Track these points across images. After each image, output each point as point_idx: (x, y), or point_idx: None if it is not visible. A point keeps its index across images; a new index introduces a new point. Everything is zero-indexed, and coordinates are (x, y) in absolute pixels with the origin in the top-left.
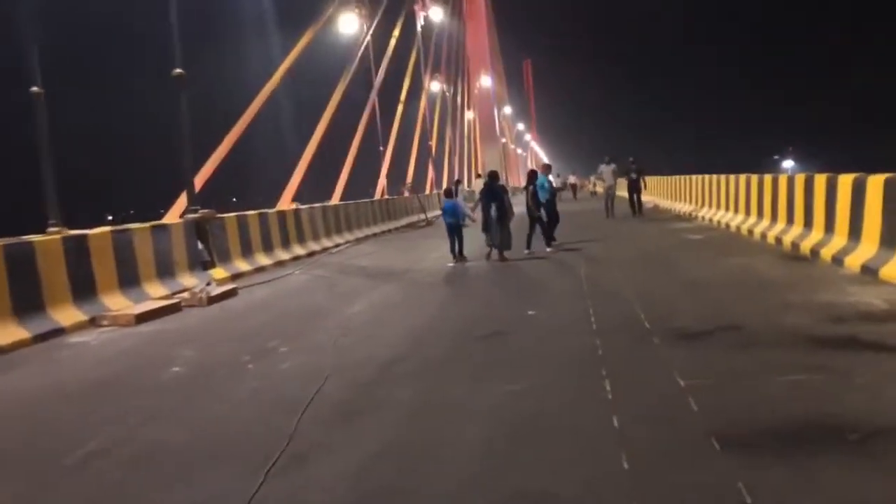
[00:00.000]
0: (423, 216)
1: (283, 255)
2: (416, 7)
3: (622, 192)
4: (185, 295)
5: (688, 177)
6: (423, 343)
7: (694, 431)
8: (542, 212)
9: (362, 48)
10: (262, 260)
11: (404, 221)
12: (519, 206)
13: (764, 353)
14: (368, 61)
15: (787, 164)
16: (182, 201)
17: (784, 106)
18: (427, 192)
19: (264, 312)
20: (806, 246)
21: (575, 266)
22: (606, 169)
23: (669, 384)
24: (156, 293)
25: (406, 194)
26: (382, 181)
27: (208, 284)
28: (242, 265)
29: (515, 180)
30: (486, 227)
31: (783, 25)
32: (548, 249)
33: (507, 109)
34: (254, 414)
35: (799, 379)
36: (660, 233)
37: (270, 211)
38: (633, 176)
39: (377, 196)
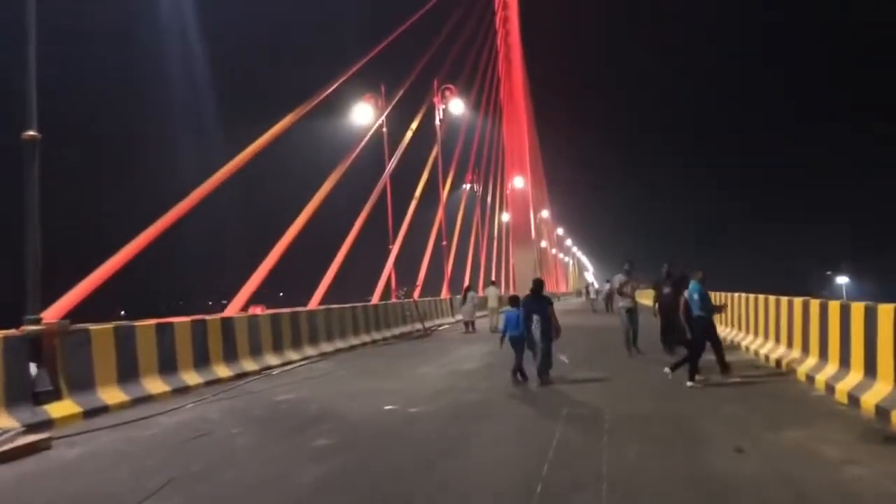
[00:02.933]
0: (419, 326)
1: (193, 379)
2: (436, 99)
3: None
4: None
5: (726, 294)
6: None
7: None
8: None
9: (367, 137)
10: (154, 387)
11: (397, 331)
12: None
13: None
14: (380, 152)
15: (841, 279)
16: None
17: (837, 214)
18: (442, 296)
19: None
20: None
21: (549, 429)
22: (623, 280)
23: None
24: None
25: (401, 299)
26: (382, 283)
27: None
28: (113, 396)
29: (552, 286)
30: (530, 345)
31: (829, 121)
32: (688, 384)
33: (545, 213)
34: None
35: None
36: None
37: (178, 320)
38: (667, 290)
39: (375, 300)
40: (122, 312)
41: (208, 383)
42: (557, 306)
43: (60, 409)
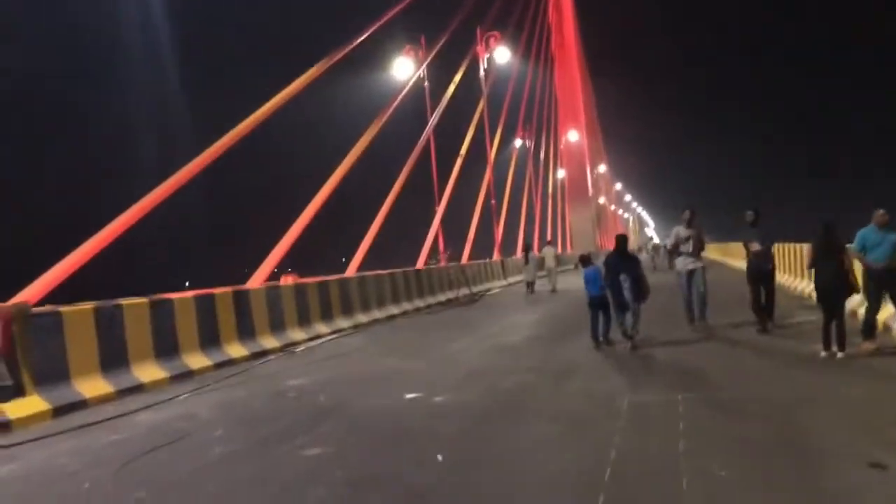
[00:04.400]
0: (466, 291)
1: (199, 363)
2: (479, 49)
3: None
4: None
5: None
6: None
7: None
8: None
9: (407, 88)
10: (147, 374)
11: (442, 297)
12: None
13: None
14: (423, 109)
15: None
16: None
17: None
18: (495, 257)
19: None
20: None
21: (605, 430)
22: (685, 233)
23: None
24: None
25: (443, 264)
26: (427, 246)
27: None
28: (93, 388)
29: (610, 243)
30: (618, 306)
31: None
32: (866, 346)
33: (603, 168)
34: None
35: None
36: (791, 363)
37: (179, 296)
38: (757, 245)
39: (419, 264)
40: (186, 283)
41: (218, 366)
42: None
43: (22, 407)
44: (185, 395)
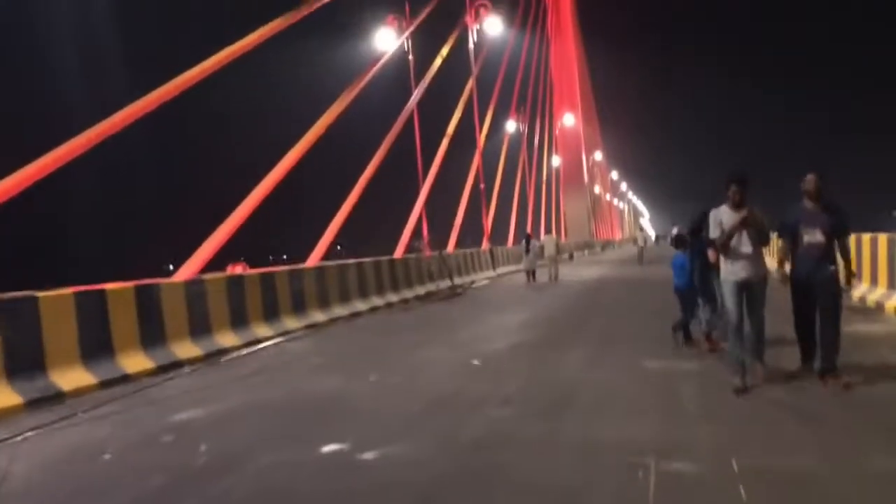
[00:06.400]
0: (449, 283)
1: (75, 381)
2: (468, 19)
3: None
4: None
5: None
6: None
7: None
8: None
9: (385, 59)
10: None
11: (421, 290)
12: None
13: None
14: (407, 86)
15: None
16: None
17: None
18: (483, 246)
19: None
20: None
21: None
22: (730, 218)
23: None
24: None
25: (424, 252)
26: (408, 233)
27: None
28: None
29: (606, 233)
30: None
31: None
32: None
33: (598, 155)
34: None
35: None
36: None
37: (49, 294)
38: (820, 235)
39: (398, 253)
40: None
41: (105, 384)
42: (612, 254)
43: None
44: (27, 435)
